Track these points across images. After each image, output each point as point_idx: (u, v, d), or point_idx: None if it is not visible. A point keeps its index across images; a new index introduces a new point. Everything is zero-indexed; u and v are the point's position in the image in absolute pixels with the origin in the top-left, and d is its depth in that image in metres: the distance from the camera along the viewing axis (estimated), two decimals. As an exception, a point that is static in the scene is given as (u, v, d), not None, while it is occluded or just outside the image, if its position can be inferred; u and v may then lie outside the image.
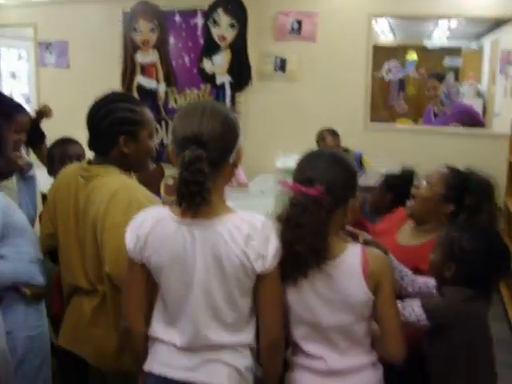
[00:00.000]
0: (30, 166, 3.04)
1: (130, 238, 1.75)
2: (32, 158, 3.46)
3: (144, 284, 1.79)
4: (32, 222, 2.90)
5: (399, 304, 1.91)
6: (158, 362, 1.78)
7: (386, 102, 6.98)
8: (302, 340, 1.82)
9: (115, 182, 2.09)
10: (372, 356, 1.83)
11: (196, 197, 1.59)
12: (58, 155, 3.03)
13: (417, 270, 2.17)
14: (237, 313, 1.72)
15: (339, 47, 5.52)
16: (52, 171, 3.00)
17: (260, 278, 1.69)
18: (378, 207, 3.02)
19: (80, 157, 3.01)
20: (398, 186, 2.86)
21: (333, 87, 5.57)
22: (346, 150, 4.65)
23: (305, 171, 1.75)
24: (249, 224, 1.65)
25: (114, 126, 2.11)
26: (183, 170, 1.58)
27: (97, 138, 2.18)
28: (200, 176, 1.58)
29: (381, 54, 6.67)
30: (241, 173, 5.04)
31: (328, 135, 4.72)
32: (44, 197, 3.41)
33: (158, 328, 1.80)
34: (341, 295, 1.73)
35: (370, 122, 5.60)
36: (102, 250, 2.02)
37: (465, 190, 2.37)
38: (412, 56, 6.74)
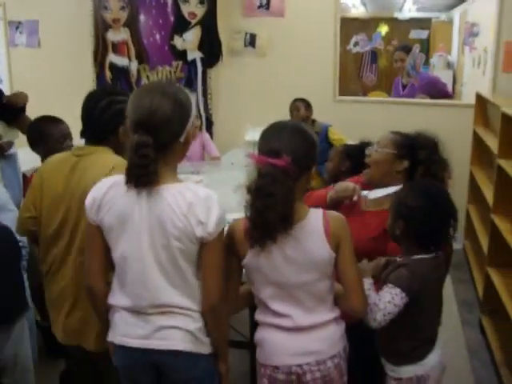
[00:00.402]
0: (10, 144, 3.12)
1: (88, 201, 1.89)
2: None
3: (101, 245, 1.91)
4: (17, 202, 2.97)
5: (375, 301, 2.02)
6: (117, 332, 1.92)
7: (358, 75, 7.09)
8: (269, 299, 1.93)
9: (112, 158, 2.23)
10: (335, 313, 1.97)
11: (142, 178, 1.75)
12: (58, 134, 3.03)
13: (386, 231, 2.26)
14: (182, 277, 1.85)
15: (307, 22, 5.59)
16: (48, 149, 2.93)
17: (202, 245, 1.82)
18: (336, 174, 3.15)
19: (70, 135, 3.06)
20: (356, 155, 2.99)
21: (302, 61, 5.65)
22: (313, 122, 4.81)
23: (270, 143, 1.84)
24: (193, 193, 1.80)
25: (116, 117, 2.22)
26: (131, 154, 1.74)
27: (95, 128, 2.28)
28: (145, 160, 1.73)
29: (352, 26, 6.75)
30: (213, 147, 5.17)
31: (302, 106, 4.82)
32: (23, 176, 3.49)
33: (113, 295, 1.94)
34: (306, 255, 1.85)
35: (340, 95, 5.67)
36: None
37: (414, 147, 2.49)
38: (383, 28, 6.84)
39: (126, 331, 1.89)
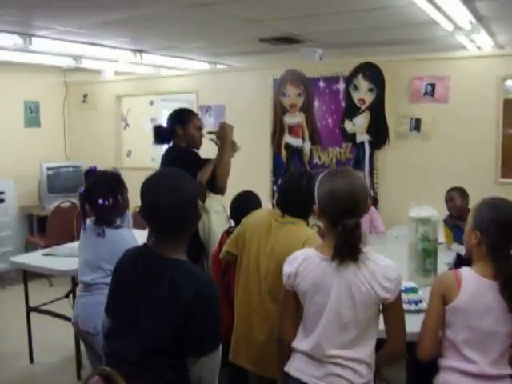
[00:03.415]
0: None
1: (286, 271, 2.32)
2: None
3: (294, 305, 2.35)
4: None
5: None
6: (295, 366, 2.30)
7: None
8: (462, 344, 2.25)
9: (307, 231, 2.82)
10: (510, 370, 2.26)
11: (353, 255, 2.15)
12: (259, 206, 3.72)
13: None
14: (360, 333, 2.19)
15: (471, 106, 5.87)
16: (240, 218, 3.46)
17: (386, 305, 2.19)
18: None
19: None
20: None
21: (465, 144, 5.90)
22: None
23: None
24: (374, 262, 2.17)
25: (312, 196, 2.84)
26: (345, 236, 2.12)
27: (298, 203, 2.86)
28: (359, 240, 2.14)
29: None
30: (379, 223, 5.52)
31: (457, 196, 4.92)
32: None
33: (298, 341, 2.33)
34: (504, 307, 2.21)
35: (502, 177, 5.83)
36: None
37: None
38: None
39: (303, 368, 2.27)
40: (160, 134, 4.05)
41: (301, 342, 2.32)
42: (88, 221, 3.42)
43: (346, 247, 2.14)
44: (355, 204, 2.18)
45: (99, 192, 3.29)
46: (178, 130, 3.99)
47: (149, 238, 3.39)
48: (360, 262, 2.16)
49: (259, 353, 2.89)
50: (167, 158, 3.96)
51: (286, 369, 2.34)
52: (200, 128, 4.05)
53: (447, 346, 2.31)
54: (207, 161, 3.82)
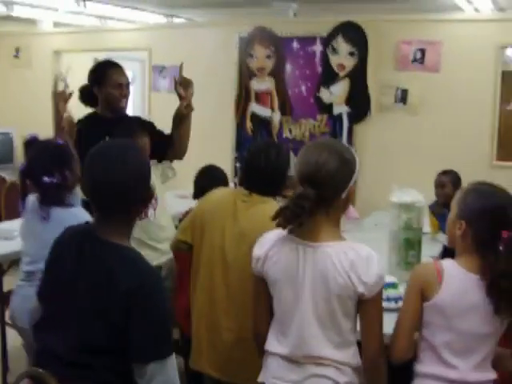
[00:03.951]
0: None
1: (254, 254, 2.34)
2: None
3: (266, 295, 2.35)
4: None
5: None
6: (269, 375, 2.31)
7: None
8: (442, 347, 2.25)
9: None
10: (494, 374, 2.27)
11: (292, 222, 2.16)
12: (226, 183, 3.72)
13: None
14: (338, 330, 2.20)
15: (464, 78, 5.91)
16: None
17: (362, 302, 2.18)
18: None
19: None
20: None
21: (457, 121, 5.94)
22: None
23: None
24: (355, 252, 2.16)
25: (284, 171, 2.84)
26: (291, 200, 2.15)
27: (267, 180, 2.88)
28: (300, 210, 2.12)
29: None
30: (351, 208, 5.54)
31: (449, 183, 4.95)
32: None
33: (270, 341, 2.34)
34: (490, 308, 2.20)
35: (498, 160, 5.89)
36: None
37: None
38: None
39: (279, 374, 2.28)
40: (84, 97, 3.88)
41: (274, 344, 2.33)
42: (31, 198, 3.30)
43: (287, 211, 2.15)
44: (315, 172, 2.17)
45: (42, 168, 3.15)
46: (96, 91, 3.78)
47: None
48: (339, 250, 2.17)
49: (226, 356, 2.87)
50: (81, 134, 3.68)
51: (260, 379, 2.37)
52: (120, 84, 3.81)
53: (424, 349, 2.32)
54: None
